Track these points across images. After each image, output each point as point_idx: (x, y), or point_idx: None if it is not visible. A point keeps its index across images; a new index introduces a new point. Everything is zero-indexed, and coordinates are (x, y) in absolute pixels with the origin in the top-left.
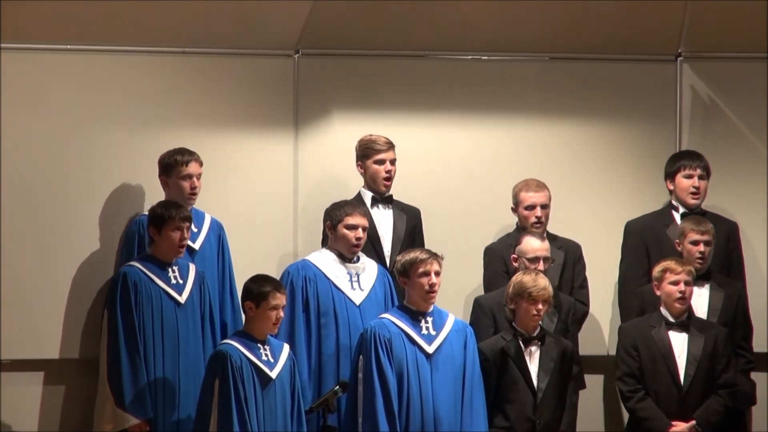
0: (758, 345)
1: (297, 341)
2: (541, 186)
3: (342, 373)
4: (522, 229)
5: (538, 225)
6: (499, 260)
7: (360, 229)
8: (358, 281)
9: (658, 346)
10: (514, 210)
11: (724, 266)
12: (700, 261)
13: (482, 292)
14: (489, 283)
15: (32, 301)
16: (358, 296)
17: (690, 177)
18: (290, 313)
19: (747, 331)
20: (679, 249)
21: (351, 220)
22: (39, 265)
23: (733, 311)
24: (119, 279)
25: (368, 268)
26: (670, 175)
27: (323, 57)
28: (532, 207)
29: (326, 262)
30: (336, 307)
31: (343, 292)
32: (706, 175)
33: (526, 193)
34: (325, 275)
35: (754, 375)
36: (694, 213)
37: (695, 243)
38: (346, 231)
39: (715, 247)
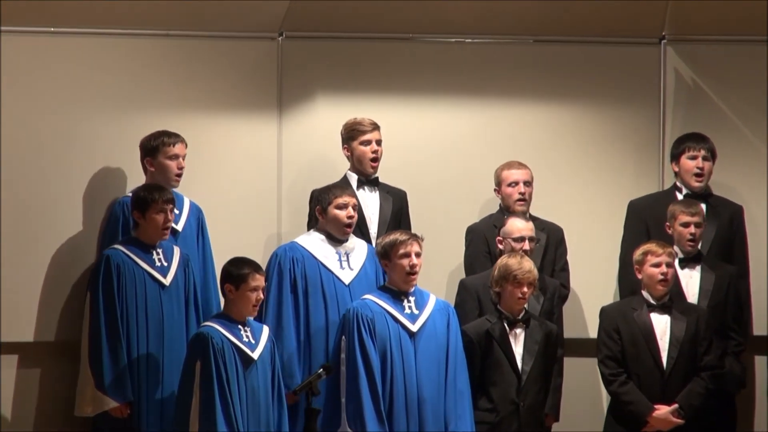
0: (759, 329)
1: (285, 323)
2: (522, 165)
3: (331, 353)
4: (506, 209)
5: (522, 202)
6: (482, 240)
7: (350, 208)
8: (347, 261)
9: (640, 328)
10: (497, 191)
11: (726, 249)
12: (691, 243)
13: (463, 272)
14: (471, 263)
15: (8, 284)
16: (347, 275)
17: (694, 158)
18: (278, 295)
19: (738, 313)
20: (670, 232)
21: (340, 200)
22: (18, 248)
23: (724, 293)
24: (102, 262)
25: (358, 248)
26: (675, 157)
27: (307, 40)
28: (515, 183)
29: (314, 243)
30: (324, 286)
31: (331, 272)
32: (710, 156)
33: (509, 171)
34: (313, 255)
35: (756, 359)
36: (699, 195)
37: (686, 225)
38: (337, 211)
39: (718, 229)
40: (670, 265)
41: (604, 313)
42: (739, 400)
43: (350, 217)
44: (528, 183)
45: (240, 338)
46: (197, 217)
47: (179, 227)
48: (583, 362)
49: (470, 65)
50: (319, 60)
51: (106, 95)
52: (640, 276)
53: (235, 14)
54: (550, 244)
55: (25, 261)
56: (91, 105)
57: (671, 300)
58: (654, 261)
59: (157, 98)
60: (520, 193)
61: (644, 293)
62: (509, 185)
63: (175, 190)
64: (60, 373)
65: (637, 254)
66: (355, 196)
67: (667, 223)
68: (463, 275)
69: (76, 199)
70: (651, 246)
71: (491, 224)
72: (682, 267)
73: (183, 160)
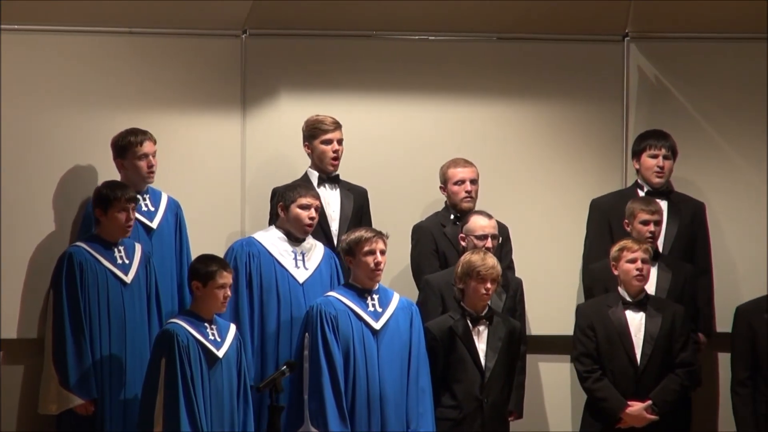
0: (722, 325)
1: (241, 318)
2: (468, 162)
3: (282, 351)
4: (451, 207)
5: (468, 200)
6: (429, 238)
7: (313, 209)
8: (303, 260)
9: (615, 325)
10: (443, 189)
11: (688, 246)
12: (650, 241)
13: (410, 271)
14: (418, 261)
15: None
16: (301, 275)
17: (655, 156)
18: (234, 290)
19: (694, 312)
20: (628, 229)
21: (304, 201)
22: None
23: (680, 292)
24: (65, 259)
25: (315, 249)
26: (636, 154)
27: (271, 37)
28: (461, 182)
29: (272, 239)
30: (278, 283)
31: (286, 270)
32: (671, 155)
33: (455, 169)
34: (269, 252)
35: (719, 356)
36: (661, 192)
37: (645, 223)
38: (299, 211)
39: (680, 226)
40: (645, 261)
41: (580, 310)
42: (695, 398)
43: (311, 219)
44: (474, 181)
45: (206, 336)
46: (175, 213)
47: (154, 225)
48: (546, 359)
49: (433, 63)
50: (282, 57)
51: (71, 93)
52: (616, 272)
53: (199, 12)
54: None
55: (5, 259)
56: (57, 103)
57: (647, 297)
58: (630, 257)
59: (122, 96)
60: (466, 192)
61: (620, 290)
62: (455, 183)
63: (152, 186)
64: (39, 371)
65: (614, 250)
66: (319, 198)
67: (626, 221)
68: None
69: (47, 198)
70: (627, 242)
71: (438, 222)
72: None
73: (153, 156)
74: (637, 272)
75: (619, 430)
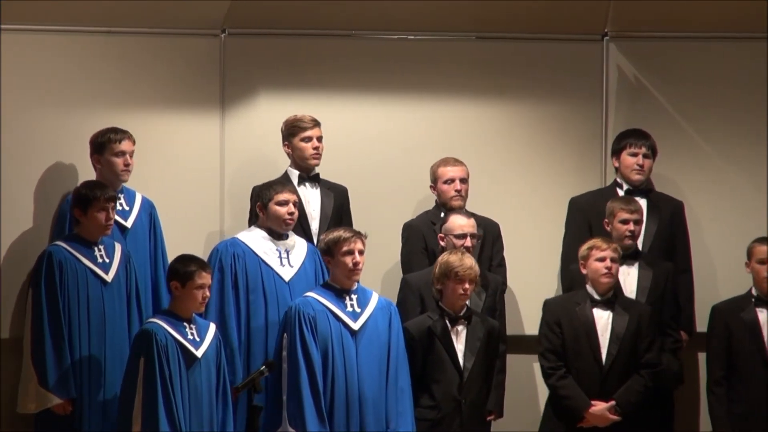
0: (702, 325)
1: (227, 318)
2: (458, 161)
3: (270, 350)
4: (441, 206)
5: (458, 198)
6: (418, 237)
7: (291, 204)
8: (287, 258)
9: (582, 323)
10: (433, 187)
11: (668, 245)
12: (629, 240)
13: (400, 269)
14: (408, 260)
15: None
16: (287, 272)
17: (635, 155)
18: (220, 291)
19: (676, 310)
20: (608, 228)
21: (281, 197)
22: None
23: (661, 290)
24: (44, 258)
25: (298, 246)
26: (616, 153)
27: (250, 37)
28: (451, 180)
29: (255, 239)
30: (264, 283)
31: (271, 268)
32: (651, 153)
33: (445, 168)
34: (254, 252)
35: (700, 355)
36: (640, 191)
37: (625, 222)
38: (277, 207)
39: (659, 225)
40: (614, 260)
41: (547, 305)
42: (677, 397)
43: (291, 214)
44: (464, 180)
45: (185, 335)
46: (149, 212)
47: (128, 224)
48: (523, 359)
49: (412, 62)
50: (261, 57)
51: (51, 93)
52: (585, 271)
53: (178, 11)
54: (487, 240)
55: None
56: (36, 102)
57: (615, 296)
58: (599, 255)
59: (101, 95)
60: (456, 190)
61: (589, 288)
62: (445, 182)
63: (126, 185)
64: (14, 369)
65: (583, 249)
66: (296, 192)
67: (606, 220)
68: (399, 272)
69: (27, 195)
70: (596, 241)
71: (428, 220)
72: (620, 263)
73: (131, 156)
74: (605, 270)
75: (581, 429)
